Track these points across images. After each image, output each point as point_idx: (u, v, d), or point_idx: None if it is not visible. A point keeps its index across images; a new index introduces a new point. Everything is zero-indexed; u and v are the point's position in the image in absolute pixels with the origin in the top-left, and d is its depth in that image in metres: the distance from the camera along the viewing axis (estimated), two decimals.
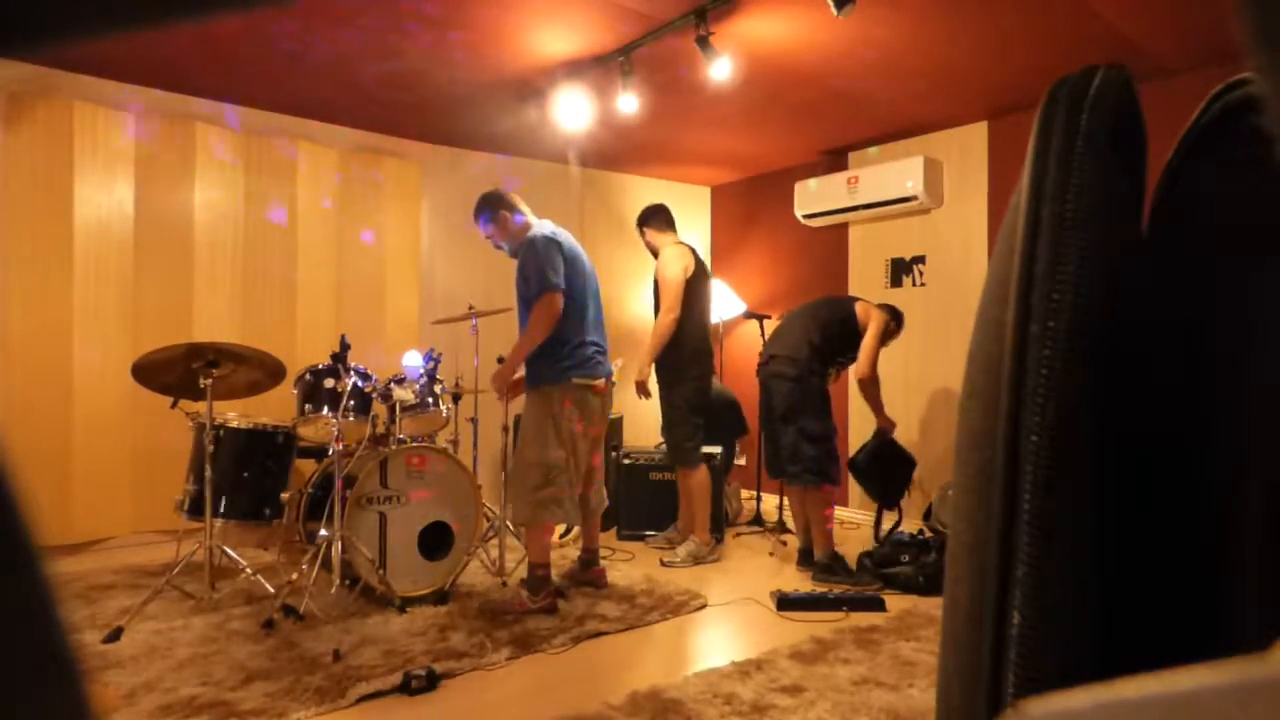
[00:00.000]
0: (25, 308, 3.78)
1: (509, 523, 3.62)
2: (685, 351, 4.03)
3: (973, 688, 0.37)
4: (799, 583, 3.58)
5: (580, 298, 3.27)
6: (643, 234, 4.24)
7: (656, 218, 4.20)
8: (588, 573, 3.50)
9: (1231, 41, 0.20)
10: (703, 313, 4.14)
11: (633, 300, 5.91)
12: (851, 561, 3.73)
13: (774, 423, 3.84)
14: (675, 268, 4.01)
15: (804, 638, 2.88)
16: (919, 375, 4.82)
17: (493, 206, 3.35)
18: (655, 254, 4.19)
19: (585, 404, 3.23)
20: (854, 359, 3.85)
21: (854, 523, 4.98)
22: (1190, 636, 0.38)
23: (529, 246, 3.19)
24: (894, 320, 3.95)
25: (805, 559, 3.88)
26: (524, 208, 3.38)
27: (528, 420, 3.22)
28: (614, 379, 3.38)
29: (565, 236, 3.30)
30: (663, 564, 3.89)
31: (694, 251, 4.12)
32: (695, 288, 4.06)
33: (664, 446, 4.21)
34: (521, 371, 3.30)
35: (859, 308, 3.90)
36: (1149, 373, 0.40)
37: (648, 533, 4.36)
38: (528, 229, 3.28)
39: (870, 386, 3.83)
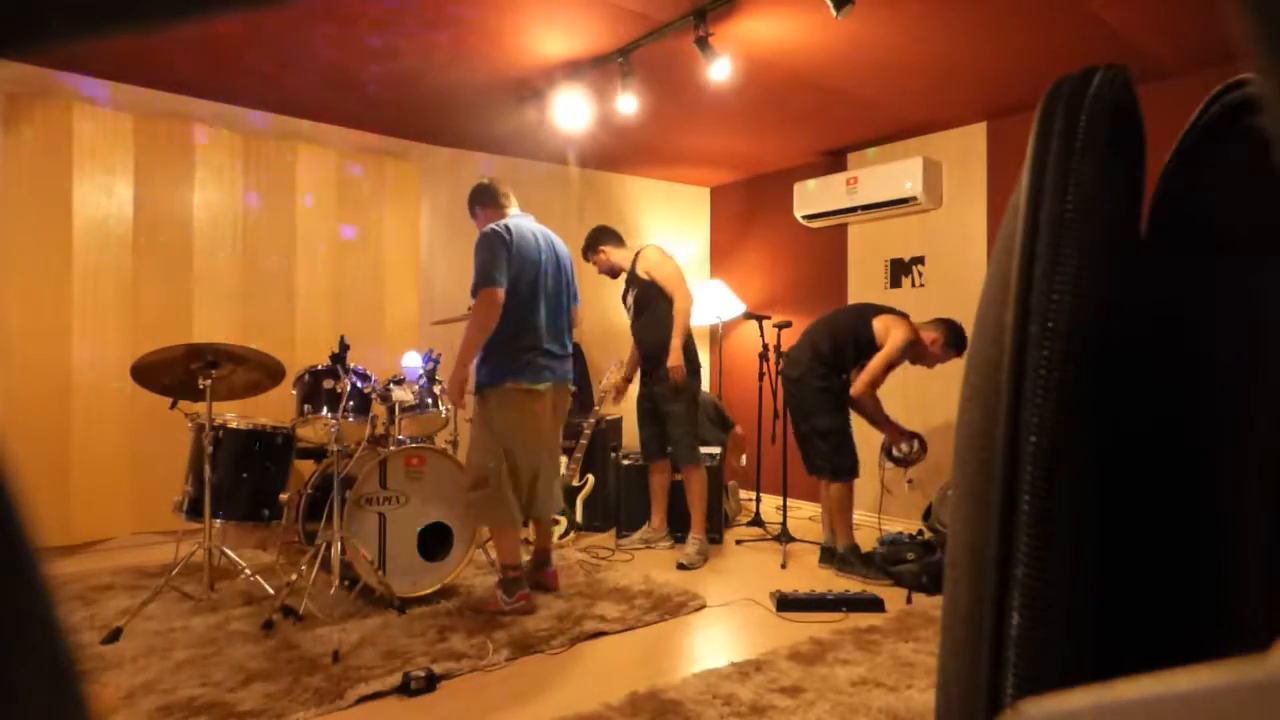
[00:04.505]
0: (24, 308, 3.77)
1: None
2: (691, 348, 4.05)
3: (972, 688, 0.37)
4: (798, 583, 3.57)
5: (525, 297, 3.13)
6: (598, 255, 4.19)
7: (611, 237, 4.21)
8: (540, 574, 3.40)
9: (1229, 43, 0.20)
10: None
11: None
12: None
13: (793, 420, 3.87)
14: (672, 261, 4.11)
15: (803, 638, 2.88)
16: (917, 376, 4.81)
17: (472, 202, 3.39)
18: (615, 273, 4.23)
19: (521, 409, 3.12)
20: None
21: (855, 524, 4.96)
22: (1190, 637, 0.38)
23: (477, 241, 3.13)
24: (948, 338, 3.66)
25: (826, 556, 3.90)
26: (505, 201, 3.33)
27: (472, 424, 3.20)
28: (603, 390, 3.26)
29: (523, 232, 3.16)
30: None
31: None
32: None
33: (671, 446, 4.12)
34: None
35: (878, 324, 3.66)
36: (1149, 373, 0.39)
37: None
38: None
39: (861, 404, 3.66)
